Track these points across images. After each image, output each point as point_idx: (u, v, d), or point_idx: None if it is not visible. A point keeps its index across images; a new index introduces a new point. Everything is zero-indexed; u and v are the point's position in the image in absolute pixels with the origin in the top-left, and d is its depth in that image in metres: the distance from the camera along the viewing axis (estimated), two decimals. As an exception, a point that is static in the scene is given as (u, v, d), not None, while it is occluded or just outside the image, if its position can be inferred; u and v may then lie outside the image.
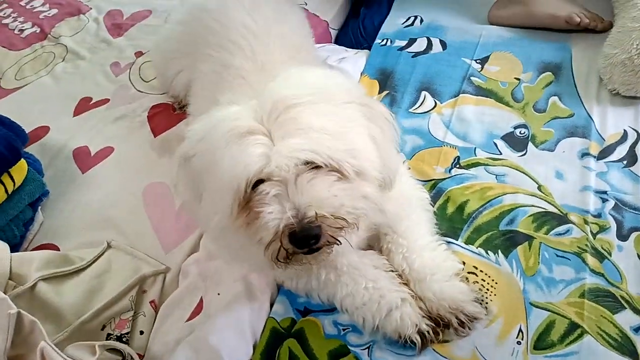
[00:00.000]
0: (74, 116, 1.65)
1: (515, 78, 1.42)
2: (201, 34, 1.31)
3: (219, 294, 1.16)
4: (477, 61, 1.49)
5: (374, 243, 1.11)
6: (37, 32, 2.03)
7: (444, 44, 1.57)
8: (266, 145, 0.81)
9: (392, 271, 1.04)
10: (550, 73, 1.42)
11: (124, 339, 1.11)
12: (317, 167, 0.82)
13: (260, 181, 0.83)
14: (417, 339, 0.95)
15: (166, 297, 1.19)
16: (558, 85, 1.38)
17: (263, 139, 0.82)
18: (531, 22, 1.54)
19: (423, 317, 0.97)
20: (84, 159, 1.50)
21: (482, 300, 1.01)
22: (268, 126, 0.83)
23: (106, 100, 1.67)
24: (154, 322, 1.15)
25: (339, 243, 0.87)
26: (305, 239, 0.81)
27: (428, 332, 0.96)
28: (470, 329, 0.97)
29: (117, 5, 2.07)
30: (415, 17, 1.70)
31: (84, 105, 1.67)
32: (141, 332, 1.13)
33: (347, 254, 1.02)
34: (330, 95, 0.89)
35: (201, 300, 1.16)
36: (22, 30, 2.05)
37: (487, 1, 1.65)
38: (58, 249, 1.31)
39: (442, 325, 0.98)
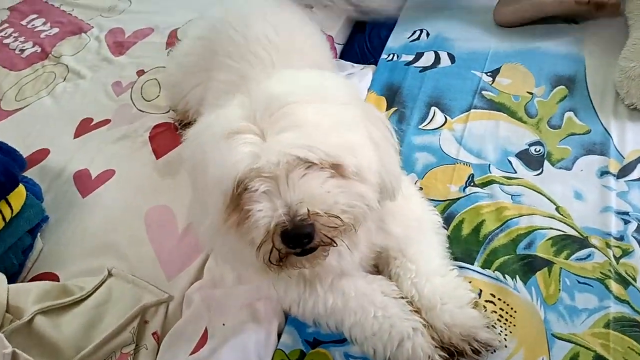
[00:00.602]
0: (74, 138, 1.61)
1: (527, 92, 1.37)
2: (222, 45, 1.27)
3: (224, 324, 1.12)
4: (488, 74, 1.44)
5: (384, 267, 1.07)
6: (38, 51, 2.00)
7: (452, 57, 1.53)
8: (255, 144, 0.78)
9: (403, 298, 1.00)
10: (564, 87, 1.37)
11: (125, 375, 1.06)
12: (311, 165, 0.79)
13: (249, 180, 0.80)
14: None
15: (169, 327, 1.14)
16: (573, 100, 1.33)
17: (253, 137, 0.79)
18: (539, 12, 1.50)
19: (436, 347, 0.93)
20: (84, 182, 1.47)
21: (494, 326, 0.97)
22: (260, 125, 0.80)
23: (107, 121, 1.63)
24: (157, 355, 1.10)
25: (334, 244, 0.83)
26: (298, 237, 0.77)
27: None
28: (486, 356, 0.93)
29: (119, 23, 2.05)
30: (422, 30, 1.66)
31: (85, 127, 1.63)
32: (143, 367, 1.08)
33: (354, 278, 0.99)
34: (327, 95, 0.86)
35: (205, 330, 1.12)
36: (22, 50, 2.02)
37: (492, 8, 1.61)
38: (57, 278, 1.27)
39: (457, 354, 0.93)
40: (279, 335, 1.08)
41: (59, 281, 1.26)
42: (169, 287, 1.21)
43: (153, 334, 1.12)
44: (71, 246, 1.33)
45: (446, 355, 0.92)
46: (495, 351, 0.94)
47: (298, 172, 0.78)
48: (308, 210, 0.77)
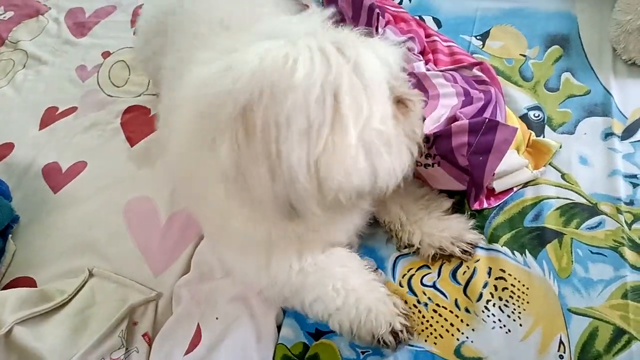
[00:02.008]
0: (40, 129, 1.50)
1: (521, 54, 1.30)
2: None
3: (217, 319, 1.05)
4: (478, 37, 1.37)
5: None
6: (-7, 38, 1.86)
7: (438, 22, 1.45)
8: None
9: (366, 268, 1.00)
10: (558, 46, 1.30)
11: (116, 382, 0.99)
12: None
13: None
14: (390, 340, 0.91)
15: (160, 327, 1.07)
16: (568, 60, 1.27)
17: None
18: None
19: (397, 315, 0.93)
20: (55, 177, 1.36)
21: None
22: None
23: (74, 109, 1.52)
24: (149, 357, 1.03)
25: None
26: None
27: (401, 331, 0.91)
28: (472, 255, 0.99)
29: (79, 2, 1.90)
30: (403, -6, 1.57)
31: (50, 116, 1.52)
32: (136, 372, 1.01)
33: (314, 254, 0.95)
34: None
35: (198, 327, 1.05)
36: (-25, 38, 1.87)
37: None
38: (34, 282, 1.19)
39: (445, 257, 1.00)
40: (279, 329, 1.02)
41: (36, 286, 1.17)
42: (157, 283, 1.13)
43: (143, 335, 1.05)
44: (46, 247, 1.24)
45: (407, 324, 0.93)
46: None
47: None
48: None
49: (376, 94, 0.75)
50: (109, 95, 1.54)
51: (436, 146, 0.98)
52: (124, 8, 1.83)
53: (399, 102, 0.83)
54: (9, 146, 1.47)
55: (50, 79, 1.65)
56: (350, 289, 0.94)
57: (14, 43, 1.80)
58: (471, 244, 0.99)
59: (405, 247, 1.03)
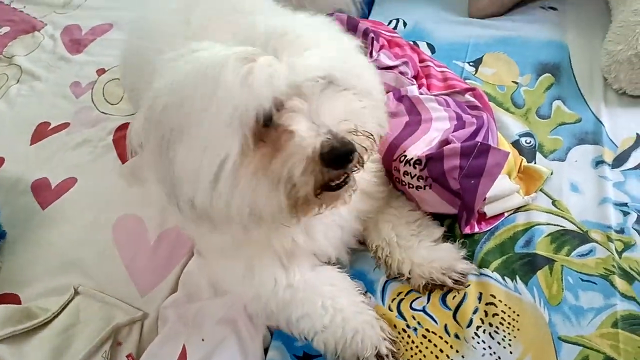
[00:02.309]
0: (31, 144, 1.49)
1: (513, 82, 1.31)
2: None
3: (203, 340, 1.03)
4: (471, 64, 1.38)
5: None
6: (-12, 52, 1.86)
7: (432, 48, 1.46)
8: (283, 67, 0.72)
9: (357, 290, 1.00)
10: (549, 75, 1.32)
11: (98, 404, 0.96)
12: (332, 85, 0.77)
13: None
14: None
15: (145, 348, 1.05)
16: (560, 88, 1.28)
17: (273, 60, 0.72)
18: None
19: (384, 339, 0.92)
20: (44, 193, 1.35)
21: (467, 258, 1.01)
22: (269, 50, 0.74)
23: (66, 125, 1.52)
24: (133, 380, 1.01)
25: (361, 167, 0.81)
26: (346, 154, 0.73)
27: (387, 355, 0.91)
28: (464, 284, 0.98)
29: (75, 19, 1.92)
30: (398, 20, 1.58)
31: (42, 132, 1.51)
32: (119, 394, 0.99)
33: (303, 271, 0.97)
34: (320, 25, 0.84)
35: (184, 348, 1.03)
36: (-29, 51, 1.87)
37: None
38: (19, 299, 1.17)
39: (437, 286, 0.98)
40: (266, 351, 1.00)
41: (20, 303, 1.15)
42: (144, 303, 1.12)
43: (127, 356, 1.03)
44: (32, 264, 1.22)
45: (392, 349, 0.92)
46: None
47: (330, 91, 0.76)
48: (354, 127, 0.75)
49: (219, 120, 0.71)
50: (102, 112, 1.53)
51: (428, 169, 0.98)
52: (120, 26, 1.84)
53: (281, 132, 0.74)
54: (-1, 161, 1.46)
55: (43, 94, 1.64)
56: (339, 309, 0.93)
57: (9, 58, 1.80)
58: (463, 274, 0.98)
59: (395, 277, 1.02)
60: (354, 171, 0.80)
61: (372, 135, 0.79)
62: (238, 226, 0.84)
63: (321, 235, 0.96)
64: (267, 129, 0.74)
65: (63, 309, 1.10)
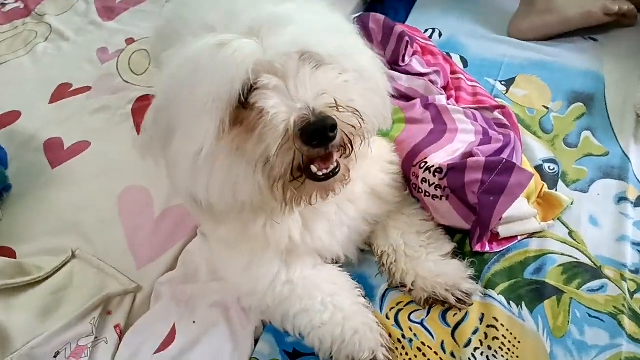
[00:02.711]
0: (49, 103, 1.49)
1: (543, 106, 1.28)
2: None
3: (194, 322, 1.02)
4: (502, 82, 1.36)
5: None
6: (21, 7, 1.87)
7: (465, 61, 1.44)
8: (259, 45, 0.71)
9: (361, 296, 0.97)
10: (581, 104, 1.28)
11: (79, 370, 0.94)
12: (319, 63, 0.74)
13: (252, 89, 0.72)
14: None
15: (134, 321, 1.04)
16: (590, 119, 1.25)
17: (253, 41, 0.71)
18: (565, 28, 1.44)
19: (382, 345, 0.89)
20: (55, 152, 1.34)
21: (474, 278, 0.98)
22: (254, 34, 0.73)
23: (87, 89, 1.51)
24: (117, 350, 0.98)
25: (350, 151, 0.76)
26: (323, 129, 0.68)
27: None
28: (467, 304, 0.94)
29: (112, -13, 1.91)
30: (434, 29, 1.56)
31: (63, 92, 1.51)
32: (101, 363, 0.97)
33: (304, 267, 0.95)
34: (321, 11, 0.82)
35: (174, 327, 1.01)
36: (4, 5, 1.88)
37: (510, 16, 1.53)
38: (14, 254, 1.15)
39: (439, 302, 0.95)
40: (256, 341, 0.98)
41: (15, 258, 1.14)
42: (138, 276, 1.10)
43: (115, 326, 1.01)
44: (33, 221, 1.21)
45: (389, 356, 0.89)
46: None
47: (309, 67, 0.72)
48: (334, 101, 0.70)
49: (196, 107, 0.71)
50: (125, 81, 1.53)
51: (448, 179, 0.95)
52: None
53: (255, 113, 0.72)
54: (16, 114, 1.45)
55: (69, 56, 1.64)
56: (339, 307, 0.91)
57: (40, 16, 1.80)
58: (467, 294, 0.94)
59: (397, 287, 0.99)
60: (344, 156, 0.77)
61: (357, 112, 0.73)
62: (235, 219, 0.85)
63: (325, 233, 0.94)
64: (244, 110, 0.72)
65: (58, 270, 1.08)
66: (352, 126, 0.73)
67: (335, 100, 0.70)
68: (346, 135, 0.73)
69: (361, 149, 0.80)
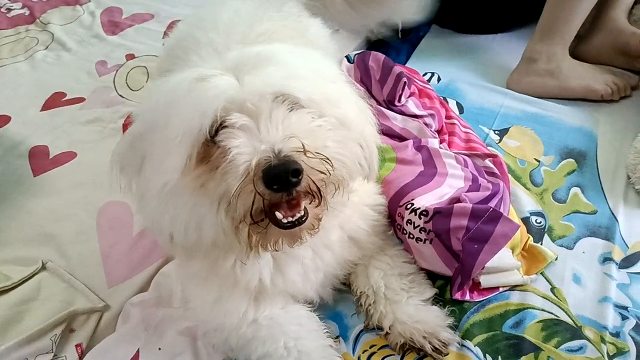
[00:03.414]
0: (41, 110, 1.48)
1: (535, 159, 1.28)
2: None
3: (159, 349, 0.98)
4: (496, 132, 1.36)
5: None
6: (26, 14, 1.87)
7: (460, 108, 1.44)
8: (235, 82, 0.71)
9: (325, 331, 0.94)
10: (573, 160, 1.28)
11: (34, 388, 0.90)
12: (295, 106, 0.72)
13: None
14: None
15: (97, 341, 0.99)
16: (581, 176, 1.24)
17: (230, 78, 0.71)
18: (563, 95, 1.44)
19: None
20: (40, 160, 1.32)
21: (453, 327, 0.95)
22: (236, 72, 0.72)
23: (81, 99, 1.50)
24: (76, 371, 0.95)
25: (320, 200, 0.73)
26: (285, 174, 0.65)
27: None
28: (443, 354, 0.91)
29: (119, 3, 1.94)
30: (433, 74, 1.57)
31: (56, 101, 1.50)
32: (58, 382, 0.93)
33: (272, 306, 0.92)
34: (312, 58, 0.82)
35: (138, 352, 0.97)
36: (9, 10, 1.89)
37: (510, 68, 1.54)
38: (-16, 260, 1.11)
39: (415, 349, 0.92)
40: (222, 373, 0.94)
41: (-16, 264, 1.10)
42: (108, 295, 1.06)
43: (77, 345, 0.97)
44: (7, 228, 1.18)
45: None
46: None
47: (283, 108, 0.70)
48: (302, 145, 0.67)
49: (168, 140, 0.70)
50: (120, 95, 1.52)
51: (433, 222, 0.93)
52: (160, 19, 1.85)
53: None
54: (5, 119, 1.44)
55: (67, 65, 1.64)
56: (304, 351, 0.87)
57: (44, 24, 1.81)
58: (444, 343, 0.91)
59: (374, 329, 0.97)
60: (313, 204, 0.74)
61: (328, 159, 0.70)
62: (205, 256, 0.83)
63: (298, 277, 0.90)
64: (212, 147, 0.71)
65: (25, 280, 1.05)
66: (322, 172, 0.70)
67: (303, 145, 0.68)
68: (313, 182, 0.70)
69: (336, 197, 0.77)
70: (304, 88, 0.72)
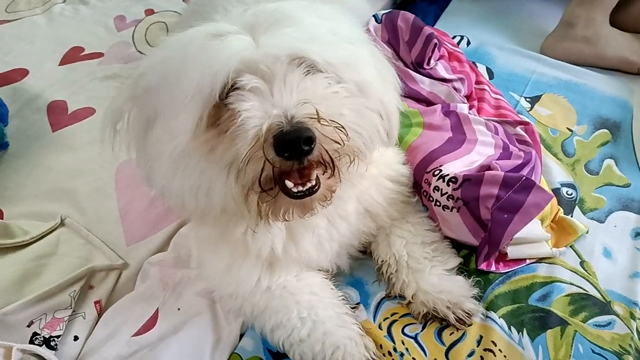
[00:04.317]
0: (59, 65, 1.45)
1: (567, 128, 1.23)
2: None
3: (179, 309, 0.97)
4: (527, 99, 1.30)
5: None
6: (45, -34, 1.81)
7: (491, 73, 1.38)
8: (250, 42, 0.67)
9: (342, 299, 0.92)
10: (607, 131, 1.23)
11: (52, 343, 0.90)
12: (312, 70, 0.68)
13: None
14: None
15: (116, 299, 0.99)
16: (615, 147, 1.19)
17: (246, 37, 0.67)
18: (597, 63, 1.38)
19: (367, 359, 0.84)
20: (58, 115, 1.30)
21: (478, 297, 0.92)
22: (252, 30, 0.68)
23: (100, 55, 1.47)
24: (94, 327, 0.94)
25: (332, 171, 0.70)
26: (297, 141, 0.62)
27: None
28: (467, 325, 0.89)
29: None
30: (462, 37, 1.51)
31: (74, 55, 1.47)
32: (75, 338, 0.93)
33: (286, 275, 0.89)
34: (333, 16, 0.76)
35: (157, 311, 0.97)
36: (27, -38, 1.83)
37: (543, 33, 1.48)
38: (2, 214, 1.11)
39: (437, 319, 0.89)
40: (242, 336, 0.93)
41: (2, 218, 1.09)
42: (127, 253, 1.06)
43: (95, 302, 0.97)
44: (26, 182, 1.17)
45: None
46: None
47: (298, 72, 0.66)
48: (316, 112, 0.64)
49: (179, 98, 0.67)
50: (139, 52, 1.49)
51: (462, 190, 0.90)
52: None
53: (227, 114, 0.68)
54: (23, 72, 1.41)
55: (86, 19, 1.60)
56: (319, 321, 0.86)
57: (62, -24, 1.76)
58: (468, 314, 0.89)
59: (395, 297, 0.94)
60: (326, 174, 0.70)
61: (343, 128, 0.67)
62: (216, 221, 0.81)
63: (312, 247, 0.88)
64: (223, 109, 0.67)
65: (44, 236, 1.04)
66: (336, 142, 0.67)
67: (317, 112, 0.64)
68: (326, 152, 0.67)
69: (351, 169, 0.74)
70: (321, 51, 0.68)
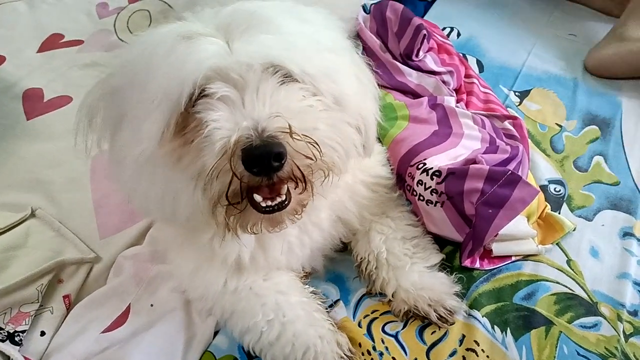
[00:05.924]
0: (37, 52, 1.40)
1: (557, 124, 1.20)
2: None
3: (152, 305, 0.94)
4: (517, 94, 1.27)
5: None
6: (25, -48, 1.76)
7: (480, 66, 1.35)
8: (222, 47, 0.63)
9: (316, 297, 0.89)
10: (596, 127, 1.20)
11: (17, 338, 0.86)
12: (287, 79, 0.65)
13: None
14: None
15: (86, 294, 0.95)
16: (604, 144, 1.17)
17: (218, 41, 0.64)
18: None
19: (340, 357, 0.81)
20: (34, 103, 1.26)
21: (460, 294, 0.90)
22: (226, 33, 0.65)
23: (79, 42, 1.43)
24: (62, 323, 0.91)
25: (304, 186, 0.67)
26: (266, 156, 0.59)
27: None
28: (449, 323, 0.86)
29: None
30: (452, 28, 1.48)
31: (53, 42, 1.42)
32: (42, 333, 0.89)
33: (252, 275, 0.86)
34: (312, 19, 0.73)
35: (129, 307, 0.94)
36: (8, -54, 1.78)
37: (535, 26, 1.46)
38: (-30, 205, 1.07)
39: (418, 317, 0.87)
40: (216, 334, 0.90)
41: (-29, 211, 1.05)
42: (100, 246, 1.02)
43: (64, 297, 0.93)
44: (-2, 173, 1.12)
45: None
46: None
47: (272, 81, 0.63)
48: (289, 126, 0.60)
49: (146, 102, 0.64)
50: (120, 40, 1.44)
51: (446, 184, 0.87)
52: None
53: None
54: (0, 59, 1.36)
55: (67, 6, 1.55)
56: (288, 322, 0.82)
57: (44, -37, 1.71)
58: (450, 312, 0.86)
59: (376, 295, 0.92)
60: (298, 190, 0.67)
61: (317, 144, 0.64)
62: (181, 225, 0.77)
63: (282, 254, 0.85)
64: (190, 117, 0.64)
65: (13, 227, 1.00)
66: (308, 158, 0.64)
67: (289, 126, 0.61)
68: (298, 167, 0.63)
69: (324, 184, 0.70)
70: (298, 60, 0.65)
